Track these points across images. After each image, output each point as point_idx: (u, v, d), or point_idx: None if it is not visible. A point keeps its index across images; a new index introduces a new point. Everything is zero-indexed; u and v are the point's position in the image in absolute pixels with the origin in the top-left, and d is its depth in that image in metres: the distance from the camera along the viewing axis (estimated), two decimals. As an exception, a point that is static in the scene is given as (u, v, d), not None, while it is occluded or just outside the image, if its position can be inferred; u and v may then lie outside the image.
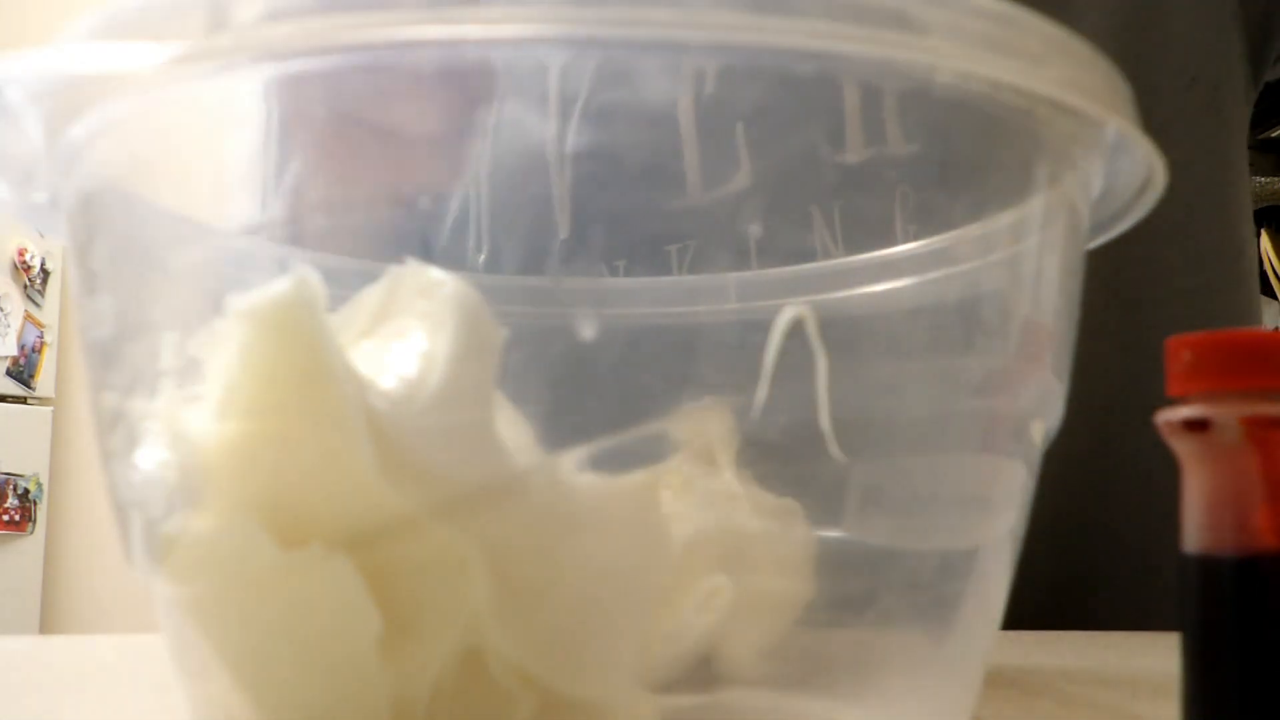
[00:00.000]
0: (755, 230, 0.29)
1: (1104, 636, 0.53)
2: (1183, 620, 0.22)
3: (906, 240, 0.30)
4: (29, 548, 2.62)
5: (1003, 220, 0.27)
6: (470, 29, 0.20)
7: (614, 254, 0.31)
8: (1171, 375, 0.22)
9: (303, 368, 0.21)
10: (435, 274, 0.24)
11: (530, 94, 0.31)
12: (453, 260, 0.32)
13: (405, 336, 0.23)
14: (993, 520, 0.28)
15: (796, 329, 0.27)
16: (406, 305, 0.24)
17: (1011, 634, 0.53)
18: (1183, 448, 0.22)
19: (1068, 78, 0.23)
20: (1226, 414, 0.21)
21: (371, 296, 0.25)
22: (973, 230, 0.27)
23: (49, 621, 2.68)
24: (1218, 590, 0.22)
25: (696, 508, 0.27)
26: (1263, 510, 0.21)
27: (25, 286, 2.68)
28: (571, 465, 0.23)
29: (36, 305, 2.70)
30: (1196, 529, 0.22)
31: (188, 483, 0.22)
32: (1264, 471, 0.21)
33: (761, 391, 0.26)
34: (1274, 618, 0.21)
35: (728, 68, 0.24)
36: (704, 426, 0.27)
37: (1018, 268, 0.28)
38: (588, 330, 0.25)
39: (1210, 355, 0.22)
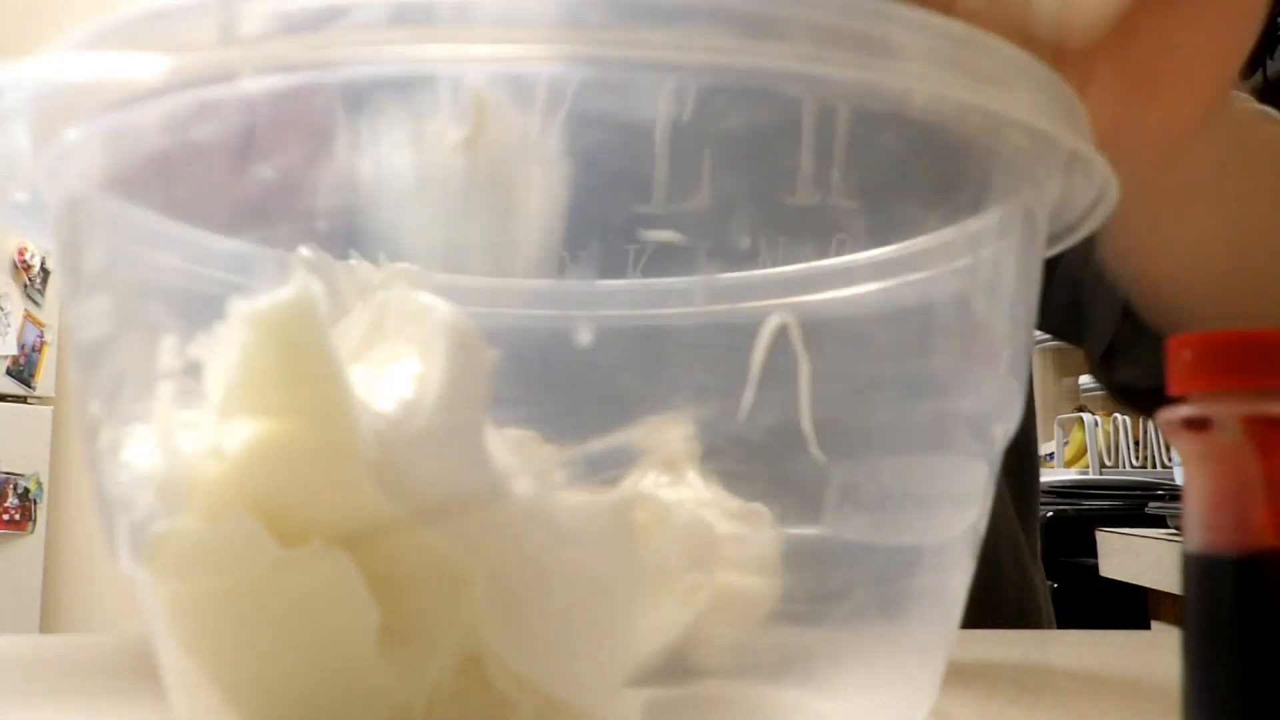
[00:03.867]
0: (709, 244, 0.30)
1: (1104, 636, 0.53)
2: (1183, 619, 0.22)
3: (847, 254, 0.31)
4: (29, 547, 2.62)
5: (966, 228, 0.28)
6: (478, 49, 0.21)
7: (577, 244, 0.32)
8: (1172, 374, 0.22)
9: (304, 370, 0.22)
10: (425, 299, 0.25)
11: (516, 90, 0.32)
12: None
13: (398, 360, 0.24)
14: (958, 517, 0.29)
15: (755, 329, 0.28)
16: (397, 330, 0.25)
17: (1011, 633, 0.53)
18: (1183, 447, 0.22)
19: (1032, 100, 0.24)
20: (1226, 413, 0.21)
21: (359, 322, 0.26)
22: (938, 237, 0.28)
23: (49, 621, 2.67)
24: (1218, 589, 0.22)
25: (670, 513, 0.28)
26: (1263, 509, 0.21)
27: (25, 286, 2.68)
28: (550, 472, 0.24)
29: (36, 304, 2.70)
30: (1197, 528, 0.22)
31: (180, 483, 0.22)
32: (1264, 470, 0.21)
33: (749, 395, 0.26)
34: (1274, 617, 0.21)
35: (707, 88, 0.25)
36: (666, 436, 0.28)
37: (978, 274, 0.29)
38: (584, 335, 0.25)
39: (1210, 354, 0.22)
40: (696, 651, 0.29)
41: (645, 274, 0.33)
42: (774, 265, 0.32)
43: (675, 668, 0.29)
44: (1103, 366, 0.62)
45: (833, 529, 0.29)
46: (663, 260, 0.32)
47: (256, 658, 0.23)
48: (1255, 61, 1.47)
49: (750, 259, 0.31)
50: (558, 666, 0.23)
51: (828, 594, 0.28)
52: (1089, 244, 0.60)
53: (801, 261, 0.31)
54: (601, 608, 0.24)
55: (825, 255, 0.31)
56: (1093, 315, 0.61)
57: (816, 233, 0.30)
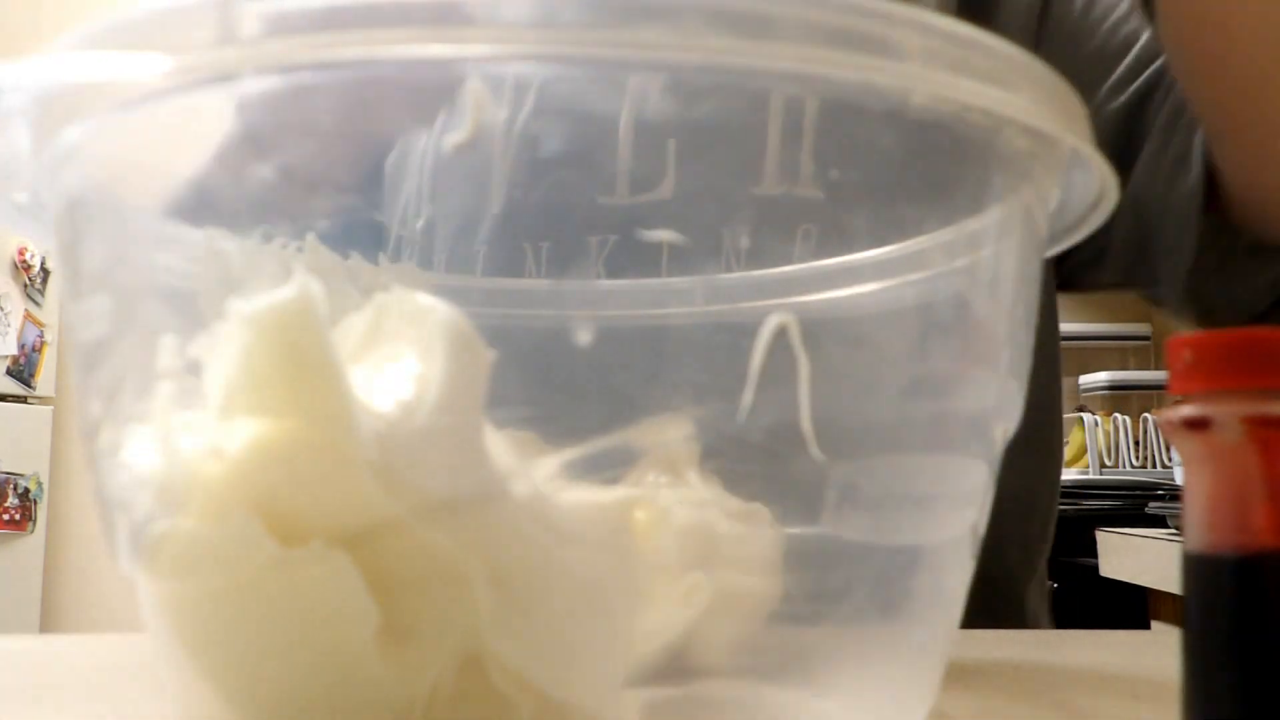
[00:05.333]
0: (671, 235, 0.30)
1: (1104, 636, 0.53)
2: (1183, 619, 0.22)
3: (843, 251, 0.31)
4: (29, 547, 2.62)
5: (965, 228, 0.28)
6: (471, 48, 0.21)
7: (539, 236, 0.32)
8: (1172, 374, 0.22)
9: (304, 370, 0.22)
10: (424, 301, 0.25)
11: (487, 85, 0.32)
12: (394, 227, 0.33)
13: (397, 361, 0.24)
14: (958, 517, 0.29)
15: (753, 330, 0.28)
16: (395, 331, 0.25)
17: (1011, 633, 0.53)
18: (1183, 447, 0.22)
19: (1032, 100, 0.24)
20: (1227, 413, 0.21)
21: (358, 324, 0.26)
22: (938, 237, 0.28)
23: (49, 621, 2.67)
24: (1218, 589, 0.22)
25: (670, 513, 0.28)
26: (1263, 509, 0.21)
27: (25, 286, 2.68)
28: (549, 472, 0.25)
29: (36, 304, 2.70)
30: (1197, 528, 0.22)
31: (180, 483, 0.22)
32: (1264, 471, 0.21)
33: (748, 395, 0.27)
34: (1274, 617, 0.21)
35: (698, 84, 0.25)
36: (666, 436, 0.28)
37: (978, 274, 0.29)
38: (584, 335, 0.26)
39: (1211, 354, 0.22)
40: (696, 651, 0.29)
41: (609, 267, 0.33)
42: (749, 259, 0.31)
43: (675, 667, 0.29)
44: (1190, 301, 0.57)
45: (832, 529, 0.29)
46: (623, 255, 0.32)
47: (256, 657, 0.23)
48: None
49: (722, 253, 0.31)
50: (557, 666, 0.23)
51: (827, 594, 0.29)
52: (1155, 166, 0.58)
53: (773, 254, 0.31)
54: (601, 607, 0.24)
55: (793, 247, 0.31)
56: (1166, 237, 0.57)
57: (793, 225, 0.30)
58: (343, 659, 0.22)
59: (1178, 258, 0.57)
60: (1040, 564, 0.69)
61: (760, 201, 0.29)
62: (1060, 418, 0.72)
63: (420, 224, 0.35)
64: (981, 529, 0.30)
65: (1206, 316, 0.59)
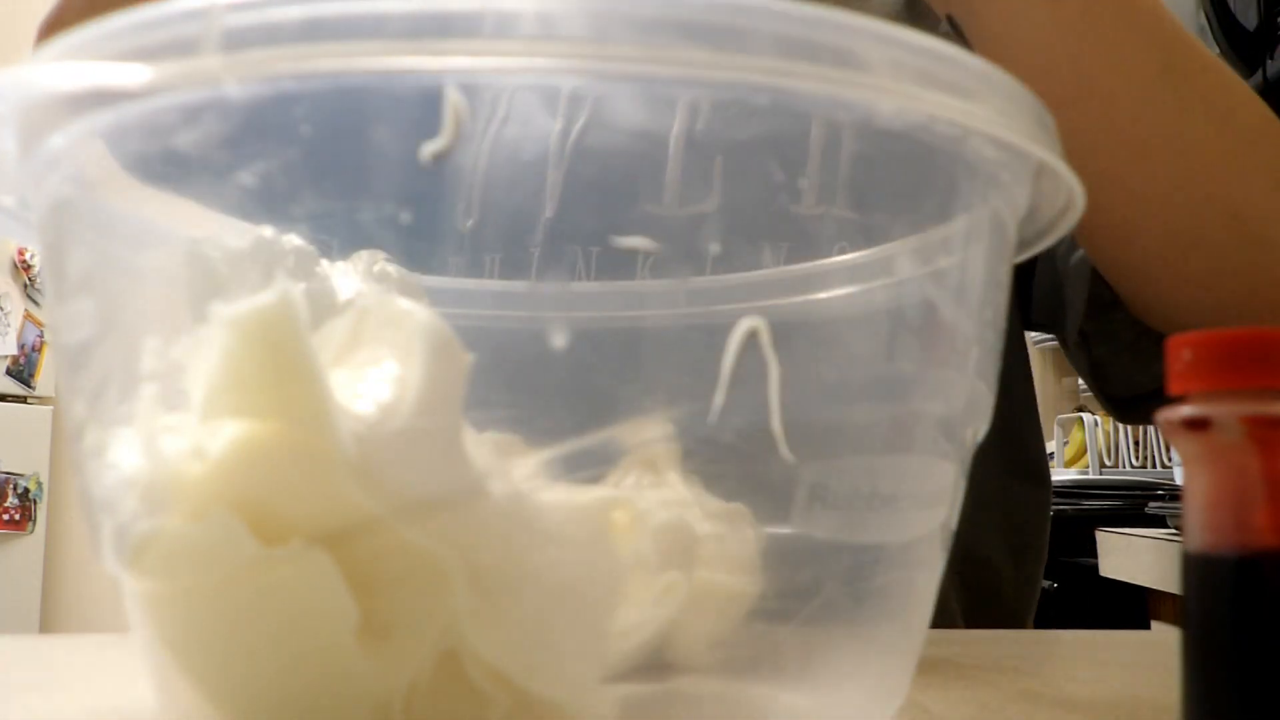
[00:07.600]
0: (714, 247, 0.31)
1: (1104, 636, 0.53)
2: (1183, 619, 0.22)
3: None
4: (29, 547, 2.62)
5: (934, 235, 0.29)
6: (463, 60, 0.22)
7: (590, 240, 0.32)
8: (1172, 374, 0.22)
9: (285, 372, 0.23)
10: (403, 304, 0.25)
11: (541, 96, 0.32)
12: (438, 226, 0.33)
13: (377, 364, 0.24)
14: (926, 516, 0.29)
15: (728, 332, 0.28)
16: (375, 335, 0.25)
17: (1011, 633, 0.53)
18: (1183, 447, 0.22)
19: (998, 111, 0.25)
20: (1227, 413, 0.21)
21: (339, 328, 0.26)
22: (907, 244, 0.29)
23: (49, 621, 2.68)
24: (1218, 589, 0.21)
25: (648, 513, 0.29)
26: (1263, 509, 0.21)
27: (25, 286, 2.69)
28: (528, 472, 0.25)
29: (36, 305, 2.70)
30: (1197, 528, 0.22)
31: (163, 483, 0.22)
32: (1264, 471, 0.21)
33: (719, 397, 0.27)
34: (1274, 617, 0.21)
35: (718, 102, 0.26)
36: (647, 437, 0.29)
37: (946, 280, 0.29)
38: (559, 337, 0.26)
39: (1210, 354, 0.22)
40: (674, 648, 0.30)
41: (653, 273, 0.33)
42: (720, 264, 0.32)
43: (653, 664, 0.29)
44: (1089, 370, 0.61)
45: (802, 528, 0.29)
46: (668, 264, 0.32)
47: (237, 654, 0.23)
48: (1255, 61, 1.47)
49: (731, 264, 0.32)
50: (535, 663, 0.24)
51: (799, 591, 0.29)
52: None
53: (743, 259, 0.32)
54: (579, 605, 0.25)
55: (763, 253, 0.31)
56: (1069, 297, 0.61)
57: (804, 242, 0.31)
58: (323, 656, 0.23)
59: (1074, 312, 0.60)
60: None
61: (735, 210, 0.30)
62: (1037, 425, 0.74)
63: (470, 224, 0.35)
64: (952, 527, 0.30)
65: (1099, 379, 0.62)
